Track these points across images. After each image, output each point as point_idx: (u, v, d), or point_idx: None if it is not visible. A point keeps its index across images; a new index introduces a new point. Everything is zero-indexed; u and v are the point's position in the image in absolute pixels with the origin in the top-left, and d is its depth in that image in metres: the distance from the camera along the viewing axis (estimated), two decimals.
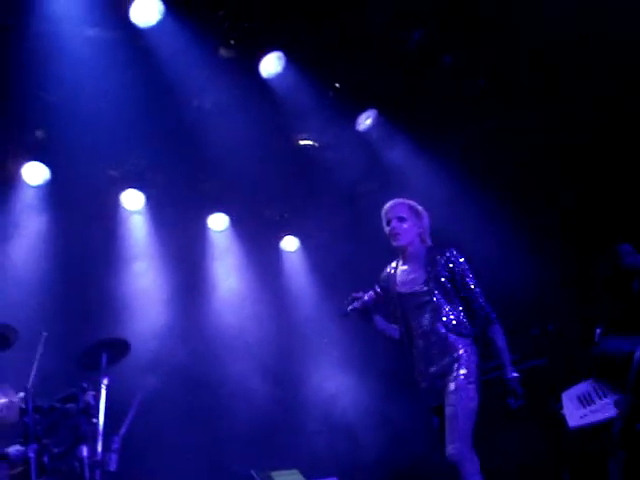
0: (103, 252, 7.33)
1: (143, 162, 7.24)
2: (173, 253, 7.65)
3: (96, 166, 7.15)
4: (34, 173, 7.17)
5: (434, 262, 4.57)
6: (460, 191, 7.19)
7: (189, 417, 7.29)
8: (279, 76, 6.59)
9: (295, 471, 6.43)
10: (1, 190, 7.10)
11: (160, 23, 5.90)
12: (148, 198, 7.59)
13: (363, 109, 7.27)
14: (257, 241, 8.19)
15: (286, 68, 6.56)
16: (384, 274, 4.78)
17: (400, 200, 4.77)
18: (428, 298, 4.51)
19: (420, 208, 4.81)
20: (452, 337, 4.46)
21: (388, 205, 4.74)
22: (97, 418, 5.03)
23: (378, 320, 4.69)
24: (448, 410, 4.33)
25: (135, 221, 7.60)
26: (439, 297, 4.51)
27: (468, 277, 4.57)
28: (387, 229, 4.68)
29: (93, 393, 5.21)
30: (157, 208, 7.65)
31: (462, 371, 4.39)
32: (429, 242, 4.76)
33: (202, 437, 7.28)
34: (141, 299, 7.40)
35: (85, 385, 5.30)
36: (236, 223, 8.04)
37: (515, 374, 4.39)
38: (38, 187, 7.18)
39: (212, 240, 8.09)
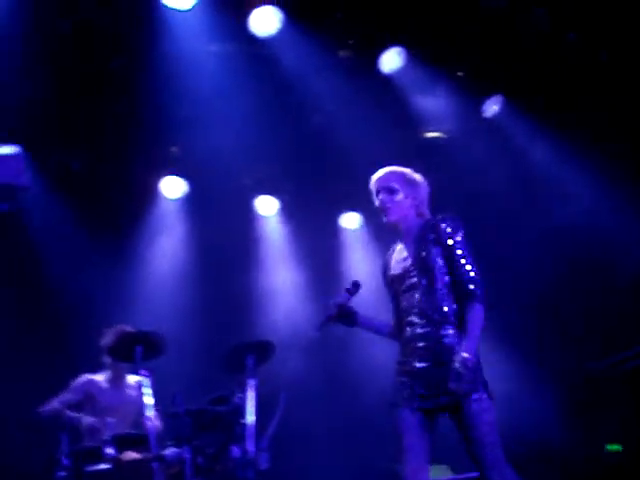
0: (242, 257, 7.58)
1: (274, 168, 7.43)
2: (308, 254, 7.80)
3: (230, 175, 7.39)
4: (172, 187, 7.52)
5: (424, 235, 3.87)
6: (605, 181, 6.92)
7: (331, 412, 7.40)
8: (400, 71, 6.59)
9: (445, 466, 6.38)
10: (143, 204, 7.49)
11: (279, 31, 6.03)
12: (281, 202, 7.78)
13: (488, 96, 7.15)
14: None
15: (406, 62, 6.56)
16: (383, 262, 4.13)
17: (390, 168, 4.05)
18: (416, 280, 3.83)
19: (416, 176, 4.07)
20: (443, 329, 3.75)
21: (376, 175, 4.04)
22: (246, 418, 5.18)
23: (362, 319, 4.07)
24: (470, 439, 3.64)
25: (270, 225, 7.81)
26: (427, 278, 3.80)
27: (457, 249, 3.80)
28: (376, 202, 4.00)
29: (241, 395, 5.37)
30: (290, 211, 7.82)
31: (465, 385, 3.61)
32: (427, 215, 4.02)
33: (344, 430, 7.37)
34: (280, 299, 7.58)
35: (233, 387, 5.48)
36: (368, 221, 8.09)
37: (468, 356, 3.61)
38: (177, 200, 7.52)
39: (346, 239, 8.18)
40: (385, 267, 4.06)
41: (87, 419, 5.54)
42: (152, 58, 6.21)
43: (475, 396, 3.63)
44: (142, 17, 5.92)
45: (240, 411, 5.24)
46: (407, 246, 3.94)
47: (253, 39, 6.13)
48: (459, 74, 6.86)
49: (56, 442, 5.09)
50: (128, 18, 6.04)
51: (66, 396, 5.64)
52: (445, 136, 7.53)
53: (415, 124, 7.30)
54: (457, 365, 3.59)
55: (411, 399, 3.74)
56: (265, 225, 7.85)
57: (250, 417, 5.22)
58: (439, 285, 3.80)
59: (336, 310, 4.00)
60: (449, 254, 3.80)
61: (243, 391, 5.39)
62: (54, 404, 5.56)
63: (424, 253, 3.84)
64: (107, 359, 5.71)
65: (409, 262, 3.89)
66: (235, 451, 5.07)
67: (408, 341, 3.83)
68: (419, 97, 6.81)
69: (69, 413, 5.52)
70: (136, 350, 5.14)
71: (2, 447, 6.37)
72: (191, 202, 7.60)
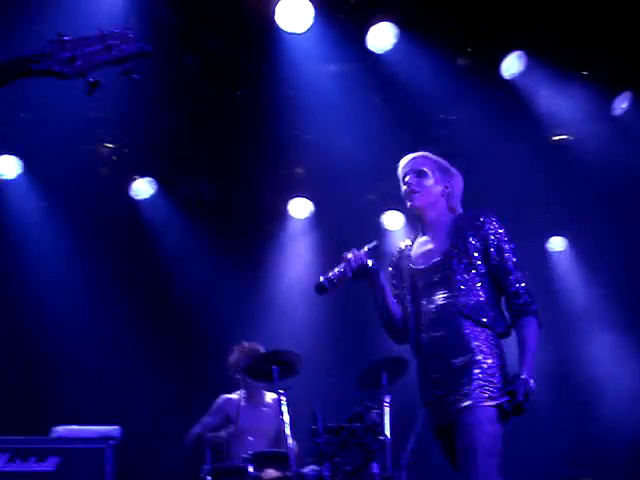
0: None
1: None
2: None
3: (355, 192, 7.44)
4: (299, 207, 7.64)
5: (461, 228, 3.42)
6: None
7: None
8: (521, 75, 6.44)
9: None
10: (272, 226, 7.65)
11: (396, 46, 6.03)
12: (407, 217, 7.75)
13: (615, 95, 6.88)
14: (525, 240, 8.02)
15: (527, 66, 6.41)
16: (396, 250, 3.69)
17: (422, 153, 3.63)
18: (444, 273, 3.37)
19: (453, 168, 3.66)
20: (468, 327, 3.29)
21: (404, 159, 3.62)
22: (384, 435, 5.16)
23: (383, 281, 3.52)
24: (461, 440, 3.18)
25: (397, 240, 7.77)
26: (459, 272, 3.34)
27: (506, 252, 3.37)
28: (402, 188, 3.56)
29: (378, 411, 5.36)
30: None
31: (479, 382, 3.21)
32: (460, 210, 3.59)
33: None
34: None
35: (369, 404, 5.48)
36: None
37: (530, 379, 3.19)
38: (304, 220, 7.64)
39: None
40: (400, 258, 3.61)
41: (228, 438, 5.67)
42: (274, 83, 6.35)
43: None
44: (262, 44, 6.05)
45: (377, 428, 5.23)
46: (435, 237, 3.49)
47: (370, 56, 6.14)
48: (584, 73, 6.64)
49: (200, 460, 5.25)
50: (248, 46, 6.21)
51: (207, 420, 5.80)
52: (572, 138, 7.29)
53: (541, 127, 7.11)
54: (519, 386, 3.17)
55: (442, 416, 3.38)
56: (392, 240, 7.83)
57: (387, 433, 5.20)
58: (476, 285, 3.36)
59: (357, 265, 3.48)
60: (495, 252, 3.37)
61: (380, 407, 5.38)
62: (196, 429, 5.72)
63: (460, 247, 3.38)
64: (239, 376, 5.83)
65: (437, 254, 3.43)
66: (374, 468, 5.06)
67: (427, 351, 3.41)
68: (543, 100, 6.63)
69: (211, 435, 5.67)
70: (273, 370, 5.23)
71: (149, 463, 6.60)
72: (318, 221, 7.69)
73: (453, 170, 3.66)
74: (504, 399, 3.18)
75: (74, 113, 5.96)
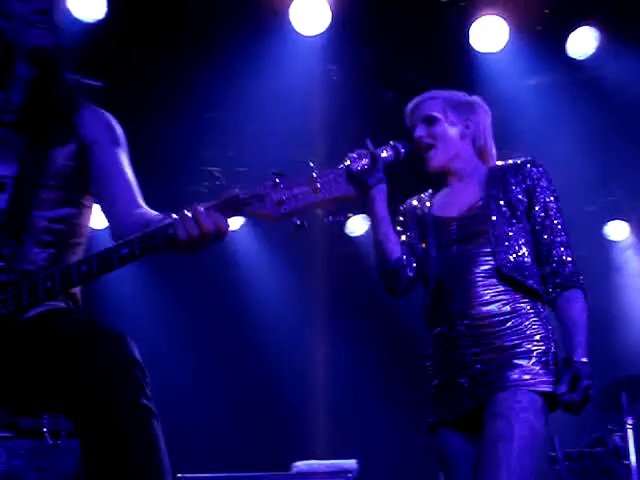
0: (595, 285, 7.26)
1: (619, 192, 7.07)
2: None
3: (574, 205, 7.15)
4: None
5: (500, 177, 2.84)
6: None
7: None
8: None
9: None
10: None
11: (598, 50, 5.77)
12: (632, 227, 7.38)
13: None
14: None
15: None
16: (406, 203, 3.05)
17: (430, 93, 2.98)
18: (481, 226, 2.77)
19: (472, 99, 2.99)
20: (512, 290, 2.69)
21: (412, 102, 2.99)
22: (628, 459, 4.90)
23: (385, 207, 2.85)
24: (491, 428, 2.55)
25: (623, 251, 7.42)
26: (499, 225, 2.74)
27: (554, 210, 2.79)
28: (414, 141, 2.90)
29: (620, 434, 5.11)
30: None
31: (527, 359, 2.62)
32: (493, 153, 2.99)
33: None
34: None
35: (610, 427, 5.24)
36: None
37: (585, 359, 2.61)
38: None
39: None
40: (417, 208, 2.99)
41: None
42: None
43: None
44: (458, 69, 6.03)
45: (621, 451, 4.98)
46: (466, 187, 2.89)
47: (572, 63, 5.92)
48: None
49: None
50: (446, 73, 6.20)
51: None
52: None
53: None
54: (578, 369, 2.62)
55: (466, 403, 2.75)
56: (618, 251, 7.46)
57: (632, 457, 4.92)
58: (519, 242, 2.76)
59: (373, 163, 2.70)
60: (540, 206, 2.80)
61: (622, 430, 5.13)
62: None
63: (501, 197, 2.79)
64: None
65: (471, 203, 2.84)
66: None
67: (458, 308, 2.74)
68: None
69: None
70: None
71: None
72: None
73: (471, 101, 3.02)
74: (563, 386, 2.60)
75: (290, 160, 6.27)
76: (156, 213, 2.40)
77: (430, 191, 3.06)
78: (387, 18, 5.61)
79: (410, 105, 3.02)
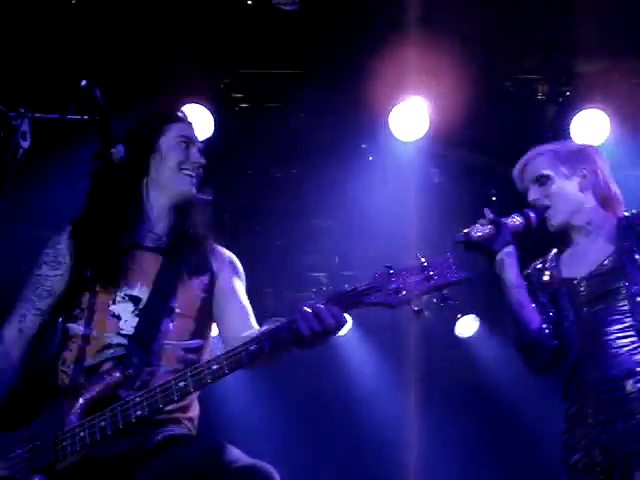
0: None
1: None
2: None
3: None
4: None
5: (631, 229, 2.68)
6: None
7: None
8: None
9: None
10: None
11: None
12: None
13: None
14: None
15: None
16: (530, 268, 2.88)
17: (540, 148, 2.85)
18: (614, 284, 2.63)
19: (583, 146, 2.86)
20: None
21: (519, 164, 2.88)
22: None
23: (514, 274, 2.65)
24: None
25: None
26: (635, 282, 2.56)
27: None
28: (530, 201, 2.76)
29: None
30: None
31: None
32: (618, 200, 2.83)
33: None
34: None
35: None
36: None
37: None
38: None
39: None
40: (541, 273, 2.85)
41: None
42: None
43: None
44: None
45: None
46: (593, 243, 2.75)
47: None
48: None
49: None
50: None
51: None
52: None
53: None
54: None
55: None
56: None
57: None
58: None
59: (488, 233, 2.71)
60: None
61: None
62: None
63: (628, 250, 2.63)
64: None
65: (602, 260, 2.68)
66: None
67: (596, 388, 2.59)
68: None
69: None
70: None
71: None
72: None
73: (582, 148, 2.92)
74: None
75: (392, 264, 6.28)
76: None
77: (554, 251, 2.92)
78: (484, 116, 5.65)
79: (517, 168, 2.93)
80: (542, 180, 2.82)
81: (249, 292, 2.75)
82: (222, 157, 5.55)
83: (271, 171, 5.82)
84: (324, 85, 5.32)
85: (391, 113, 5.43)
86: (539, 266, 2.93)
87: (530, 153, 2.91)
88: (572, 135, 5.65)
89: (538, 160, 2.87)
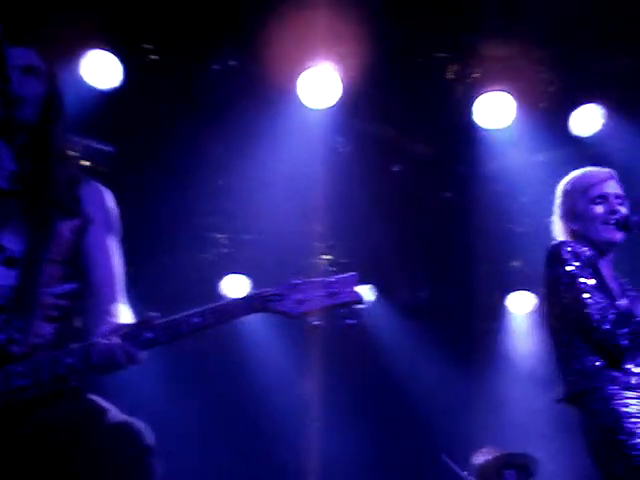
0: None
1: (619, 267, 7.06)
2: None
3: None
4: (519, 302, 7.45)
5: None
6: None
7: None
8: None
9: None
10: (490, 322, 7.53)
11: (604, 127, 5.85)
12: None
13: None
14: None
15: None
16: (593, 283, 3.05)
17: (611, 170, 3.23)
18: None
19: None
20: None
21: (600, 173, 3.26)
22: None
23: None
24: None
25: None
26: None
27: None
28: (599, 209, 3.13)
29: None
30: None
31: None
32: None
33: None
34: None
35: None
36: None
37: None
38: (526, 314, 7.43)
39: None
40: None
41: None
42: (481, 180, 6.37)
43: None
44: (464, 144, 6.12)
45: None
46: (608, 270, 3.15)
47: (577, 140, 6.00)
48: None
49: None
50: (452, 148, 6.31)
51: None
52: None
53: None
54: None
55: None
56: None
57: None
58: None
59: None
60: None
61: None
62: None
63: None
64: None
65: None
66: None
67: None
68: None
69: None
70: (506, 474, 5.03)
71: None
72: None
73: None
74: None
75: (293, 230, 6.32)
76: (123, 323, 2.43)
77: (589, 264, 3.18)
78: (397, 92, 5.71)
79: (603, 173, 3.25)
80: (622, 198, 3.21)
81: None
82: (127, 107, 5.43)
83: (176, 127, 5.70)
84: (232, 48, 5.26)
85: (299, 78, 5.41)
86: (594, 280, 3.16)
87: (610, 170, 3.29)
88: (475, 116, 5.77)
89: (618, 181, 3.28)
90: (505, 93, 5.63)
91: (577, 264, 3.01)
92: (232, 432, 7.07)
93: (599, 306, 2.93)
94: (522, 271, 7.30)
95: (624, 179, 6.05)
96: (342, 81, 5.44)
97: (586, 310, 2.93)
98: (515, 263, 7.29)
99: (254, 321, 6.69)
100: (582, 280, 2.97)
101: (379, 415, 7.28)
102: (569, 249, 3.05)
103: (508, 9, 5.04)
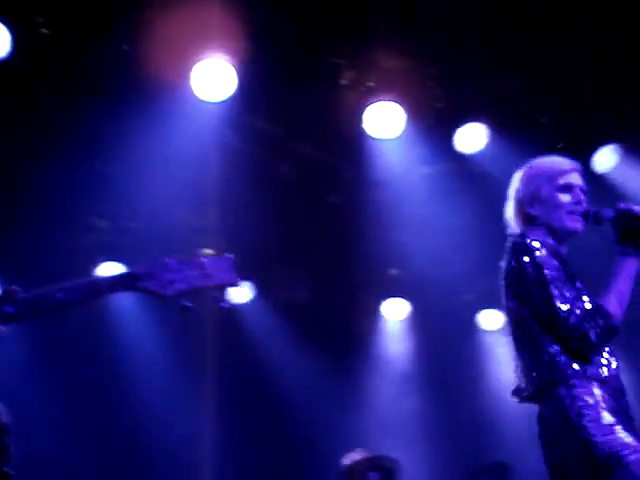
0: (468, 374, 7.44)
1: (492, 281, 7.31)
2: None
3: (450, 292, 7.37)
4: (394, 308, 7.63)
5: None
6: None
7: None
8: (615, 170, 6.33)
9: None
10: (366, 327, 7.66)
11: (487, 146, 6.06)
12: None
13: None
14: None
15: (622, 159, 6.30)
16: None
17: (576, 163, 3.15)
18: None
19: None
20: None
21: (567, 163, 3.12)
22: None
23: None
24: None
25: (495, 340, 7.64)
26: None
27: None
28: (565, 197, 3.01)
29: None
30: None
31: None
32: None
33: None
34: (512, 419, 7.29)
35: None
36: None
37: None
38: (400, 321, 7.61)
39: None
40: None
41: None
42: (366, 187, 6.48)
43: None
44: (353, 150, 6.21)
45: None
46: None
47: (462, 157, 6.19)
48: None
49: None
50: (341, 153, 6.39)
51: None
52: None
53: None
54: None
55: None
56: (490, 340, 7.68)
57: None
58: None
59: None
60: None
61: None
62: None
63: None
64: None
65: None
66: None
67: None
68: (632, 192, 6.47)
69: None
70: (370, 476, 5.13)
71: None
72: (414, 322, 7.63)
73: None
74: None
75: (177, 222, 6.23)
76: None
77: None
78: (290, 93, 5.72)
79: (574, 163, 3.12)
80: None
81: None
82: (13, 79, 5.22)
83: (64, 108, 5.50)
84: (125, 32, 5.15)
85: (194, 70, 5.35)
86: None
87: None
88: (365, 124, 5.86)
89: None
90: (396, 104, 5.75)
91: (543, 254, 2.88)
92: (98, 417, 6.89)
93: (566, 298, 2.81)
94: (399, 279, 7.49)
95: (502, 198, 6.37)
96: (237, 76, 5.41)
97: (553, 302, 2.80)
98: (393, 271, 7.46)
99: (126, 302, 6.60)
100: (548, 271, 2.84)
101: (251, 412, 7.26)
102: (534, 238, 2.92)
103: (405, 24, 5.16)
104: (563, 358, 2.80)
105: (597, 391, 2.77)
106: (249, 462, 6.98)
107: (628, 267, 2.85)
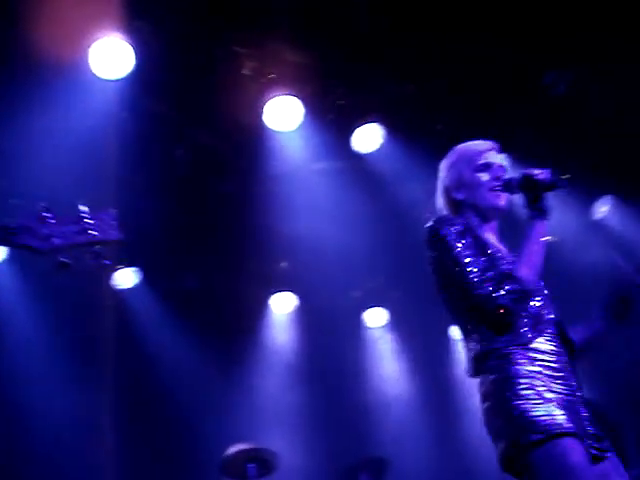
0: (352, 370, 7.54)
1: (382, 279, 7.45)
2: (417, 366, 7.70)
3: (339, 289, 7.46)
4: (282, 302, 7.65)
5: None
6: None
7: None
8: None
9: None
10: (253, 319, 7.64)
11: (382, 146, 6.15)
12: (391, 314, 7.76)
13: (598, 198, 7.01)
14: None
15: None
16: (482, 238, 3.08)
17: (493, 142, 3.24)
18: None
19: None
20: None
21: (483, 143, 3.20)
22: None
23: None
24: None
25: (380, 337, 7.77)
26: None
27: None
28: (485, 176, 3.11)
29: None
30: (399, 323, 7.78)
31: None
32: None
33: None
34: (392, 412, 7.45)
35: None
36: None
37: None
38: (287, 314, 7.64)
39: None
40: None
41: None
42: (261, 178, 6.46)
43: None
44: (250, 140, 6.17)
45: None
46: (493, 237, 3.15)
47: (357, 155, 6.26)
48: (567, 176, 6.72)
49: None
50: (237, 142, 6.33)
51: None
52: (556, 239, 7.37)
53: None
54: None
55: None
56: (374, 337, 7.82)
57: None
58: None
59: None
60: None
61: None
62: None
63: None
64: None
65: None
66: None
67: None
68: None
69: None
70: (248, 468, 5.13)
71: None
72: (301, 316, 7.68)
73: None
74: None
75: (63, 202, 6.00)
76: None
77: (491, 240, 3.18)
78: (190, 78, 5.63)
79: (491, 143, 3.20)
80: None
81: None
82: None
83: None
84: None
85: (92, 47, 5.20)
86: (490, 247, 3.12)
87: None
88: (264, 115, 5.84)
89: None
90: (295, 98, 5.76)
91: (452, 231, 2.98)
92: None
93: (477, 268, 2.91)
94: (288, 272, 7.51)
95: (394, 199, 6.49)
96: (135, 56, 5.29)
97: (466, 275, 2.90)
98: (283, 264, 7.48)
99: None
100: (459, 246, 2.95)
101: (133, 400, 7.13)
102: (442, 219, 3.04)
103: (310, 20, 5.16)
104: (489, 332, 2.89)
105: (524, 360, 2.84)
106: (130, 452, 6.85)
107: (536, 230, 2.96)
